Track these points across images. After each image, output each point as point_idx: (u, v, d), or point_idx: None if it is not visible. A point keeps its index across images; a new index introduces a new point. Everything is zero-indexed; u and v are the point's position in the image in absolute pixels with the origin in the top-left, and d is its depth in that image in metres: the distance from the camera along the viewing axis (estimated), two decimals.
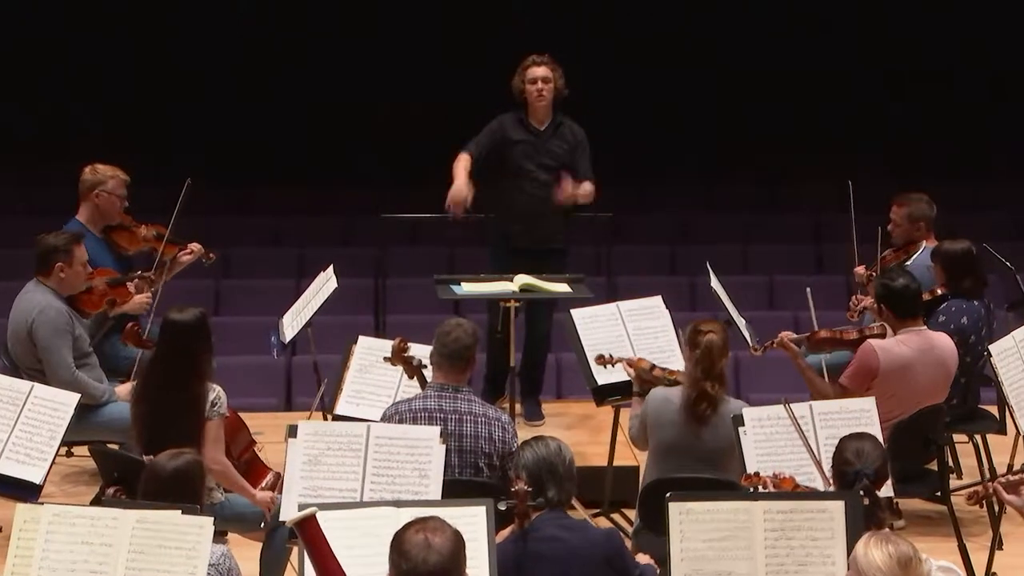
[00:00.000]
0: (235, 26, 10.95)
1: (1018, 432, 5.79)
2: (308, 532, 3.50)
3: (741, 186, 10.67)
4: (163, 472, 4.07)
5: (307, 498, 4.44)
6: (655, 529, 4.54)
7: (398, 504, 4.05)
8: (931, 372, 5.62)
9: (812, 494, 4.32)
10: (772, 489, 4.37)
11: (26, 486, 5.06)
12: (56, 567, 3.91)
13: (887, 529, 3.97)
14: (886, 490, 4.22)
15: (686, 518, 3.99)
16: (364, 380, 5.71)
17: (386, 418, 4.89)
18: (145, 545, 3.88)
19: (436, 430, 4.63)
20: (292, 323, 6.34)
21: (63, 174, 6.90)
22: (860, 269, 6.72)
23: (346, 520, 3.93)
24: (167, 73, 10.95)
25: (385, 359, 5.42)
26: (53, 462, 5.18)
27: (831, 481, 4.57)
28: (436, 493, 4.50)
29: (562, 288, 6.37)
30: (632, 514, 5.39)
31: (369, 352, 5.74)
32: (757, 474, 4.47)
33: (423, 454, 4.54)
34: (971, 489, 4.24)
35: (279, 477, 5.03)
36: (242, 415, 5.46)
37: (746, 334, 6.15)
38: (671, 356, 5.86)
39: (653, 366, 5.46)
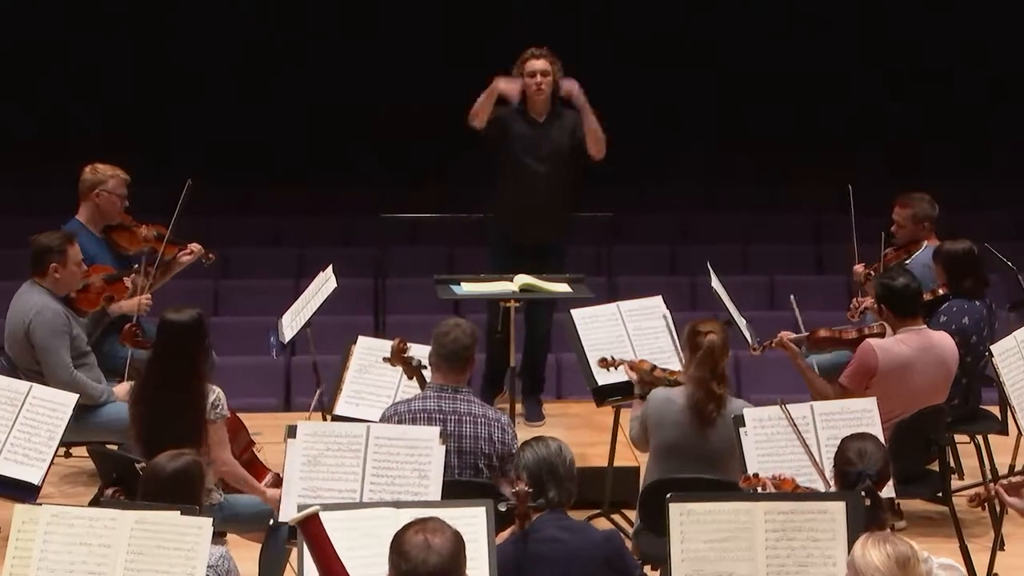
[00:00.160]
0: (235, 26, 10.95)
1: (1020, 432, 5.78)
2: (311, 531, 3.49)
3: (741, 186, 10.66)
4: (162, 473, 4.06)
5: (306, 499, 4.44)
6: (656, 530, 4.53)
7: (398, 505, 4.04)
8: (931, 372, 5.61)
9: (813, 495, 4.31)
10: (772, 491, 4.36)
11: (24, 487, 5.05)
12: (54, 568, 3.90)
13: (888, 530, 3.97)
14: (887, 491, 4.21)
15: (687, 519, 3.98)
16: (364, 380, 5.70)
17: (385, 419, 4.88)
18: (144, 546, 3.87)
19: (436, 431, 4.62)
20: (291, 323, 6.33)
21: (63, 174, 6.89)
22: (859, 267, 6.72)
23: (346, 521, 3.92)
24: (167, 73, 10.95)
25: (384, 360, 5.41)
26: (51, 463, 5.17)
27: (830, 482, 4.57)
28: (436, 494, 4.49)
29: (562, 288, 6.36)
30: (632, 515, 5.37)
31: (369, 352, 5.73)
32: (756, 475, 4.46)
33: (423, 455, 4.53)
34: (973, 492, 4.24)
35: (278, 478, 5.02)
36: (241, 415, 5.46)
37: (747, 334, 6.14)
38: (671, 356, 5.85)
39: (654, 367, 5.45)
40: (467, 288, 6.36)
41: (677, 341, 5.81)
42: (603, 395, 5.92)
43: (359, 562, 3.72)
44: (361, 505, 4.25)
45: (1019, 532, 5.51)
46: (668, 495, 4.04)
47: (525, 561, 4.00)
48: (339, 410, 5.67)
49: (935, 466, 5.62)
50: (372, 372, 5.68)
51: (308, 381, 6.53)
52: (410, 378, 5.37)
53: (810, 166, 10.49)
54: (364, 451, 4.55)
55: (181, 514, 3.89)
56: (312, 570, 3.73)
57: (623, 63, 11.02)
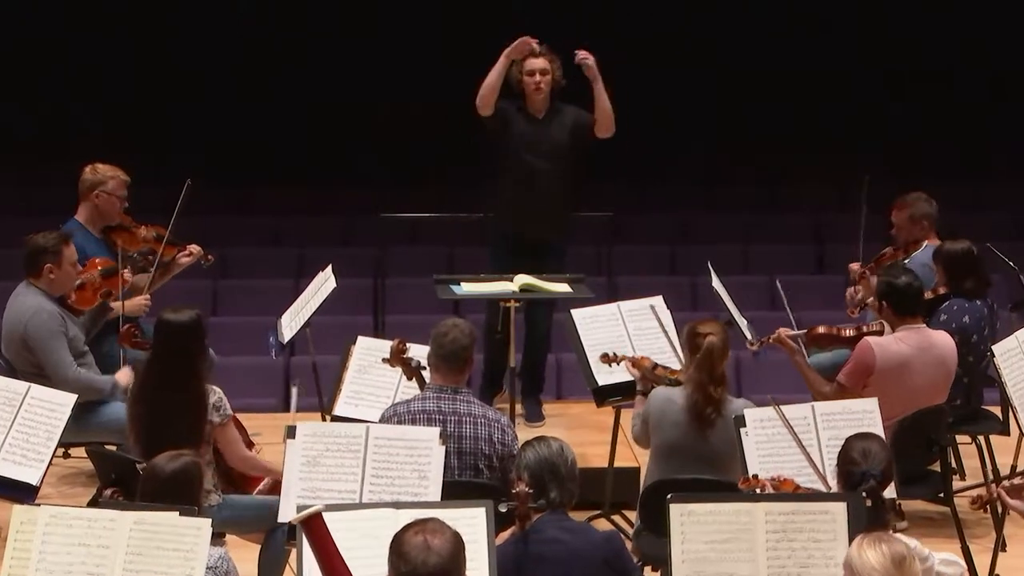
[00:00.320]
0: (235, 26, 10.94)
1: (1021, 433, 5.77)
2: (314, 530, 3.48)
3: (741, 186, 10.65)
4: (161, 474, 4.06)
5: (306, 499, 4.43)
6: (656, 531, 4.52)
7: (397, 506, 4.03)
8: (930, 372, 5.60)
9: (814, 496, 4.31)
10: (772, 492, 4.35)
11: (23, 487, 5.03)
12: (53, 569, 3.89)
13: (890, 530, 3.96)
14: (889, 491, 4.20)
15: (687, 520, 3.97)
16: (363, 381, 5.68)
17: (384, 420, 4.87)
18: (142, 547, 3.87)
19: (436, 431, 4.61)
20: (291, 323, 6.32)
21: (63, 174, 6.88)
22: (855, 265, 6.70)
23: (345, 522, 3.91)
24: (167, 73, 10.94)
25: (384, 360, 5.40)
26: (50, 463, 5.15)
27: (829, 483, 4.56)
28: (436, 494, 4.48)
29: (562, 288, 6.35)
30: (633, 516, 5.36)
31: (368, 352, 5.72)
32: (756, 477, 4.45)
33: (422, 455, 4.52)
34: (975, 494, 4.23)
35: (278, 478, 5.00)
36: (240, 416, 5.43)
37: (747, 334, 6.13)
38: (672, 356, 5.83)
39: (655, 365, 5.45)
40: (467, 288, 6.35)
41: (673, 340, 5.80)
42: (603, 395, 5.91)
43: (359, 563, 3.70)
44: (361, 506, 4.24)
45: (1020, 533, 5.50)
46: (669, 496, 4.03)
47: (525, 562, 3.99)
48: (338, 411, 5.66)
49: (936, 467, 5.60)
50: (371, 372, 5.67)
51: (308, 382, 6.51)
52: (409, 379, 5.35)
53: (810, 166, 10.47)
54: (364, 452, 4.54)
55: (180, 515, 3.88)
56: (311, 570, 3.73)
57: (623, 63, 10.97)
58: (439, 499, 4.43)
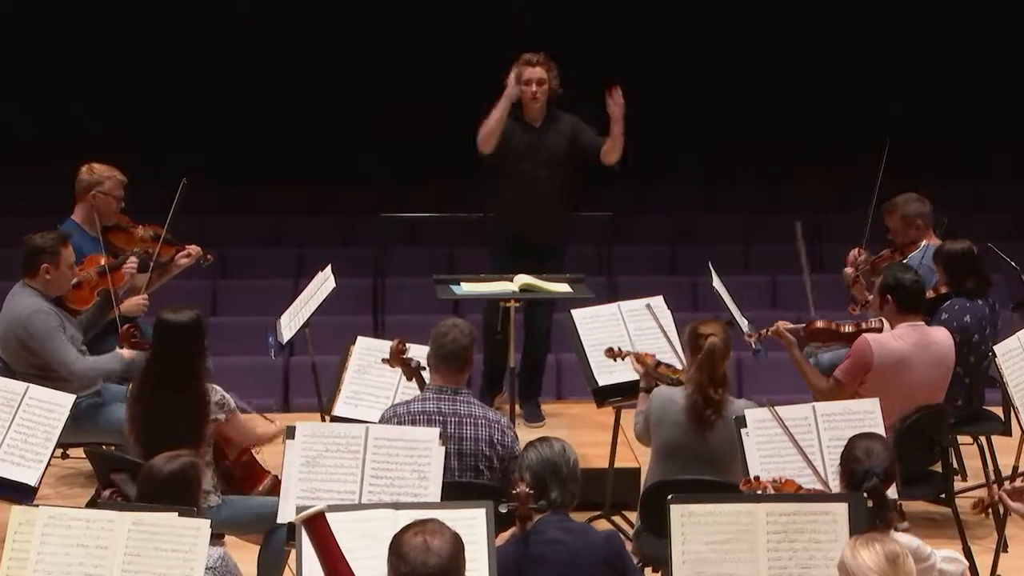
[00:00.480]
0: (235, 26, 10.93)
1: (1023, 433, 5.75)
2: (316, 530, 3.46)
3: (741, 186, 10.64)
4: (159, 475, 4.04)
5: (305, 500, 4.41)
6: (657, 531, 4.51)
7: (397, 506, 4.02)
8: (929, 369, 5.59)
9: (815, 496, 4.30)
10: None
11: (21, 488, 5.02)
12: (52, 570, 3.88)
13: (892, 530, 3.96)
14: (890, 492, 4.19)
15: (688, 520, 3.96)
16: (362, 381, 5.67)
17: (384, 421, 4.85)
18: (141, 547, 3.86)
19: (435, 431, 4.60)
20: (290, 323, 6.30)
21: (63, 174, 6.85)
22: (849, 270, 6.69)
23: (344, 522, 3.89)
24: (167, 73, 10.93)
25: (383, 360, 5.38)
26: (48, 464, 5.14)
27: (828, 483, 4.55)
28: (435, 495, 4.46)
29: (562, 288, 6.34)
30: (633, 516, 5.35)
31: (368, 353, 5.70)
32: (757, 478, 4.44)
33: (422, 456, 4.51)
34: (976, 498, 4.22)
35: (277, 480, 4.99)
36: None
37: (748, 328, 6.11)
38: (672, 357, 5.82)
39: (659, 363, 5.44)
40: (467, 288, 6.34)
41: (673, 341, 5.79)
42: (604, 396, 5.90)
43: (358, 564, 3.69)
44: (360, 506, 4.22)
45: (1022, 534, 5.49)
46: (669, 496, 4.02)
47: (526, 563, 3.98)
48: (338, 411, 5.64)
49: (938, 467, 5.59)
50: (371, 373, 5.65)
51: (307, 382, 6.51)
52: (409, 379, 5.34)
53: (810, 166, 10.46)
54: (363, 452, 4.53)
55: (179, 515, 3.87)
56: (311, 571, 3.72)
57: (623, 63, 10.99)
58: (439, 500, 4.41)
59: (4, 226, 8.96)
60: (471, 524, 3.89)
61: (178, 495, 3.98)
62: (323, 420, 5.75)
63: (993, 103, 11.23)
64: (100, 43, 10.86)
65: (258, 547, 4.98)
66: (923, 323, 5.69)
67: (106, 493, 4.60)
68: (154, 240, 6.30)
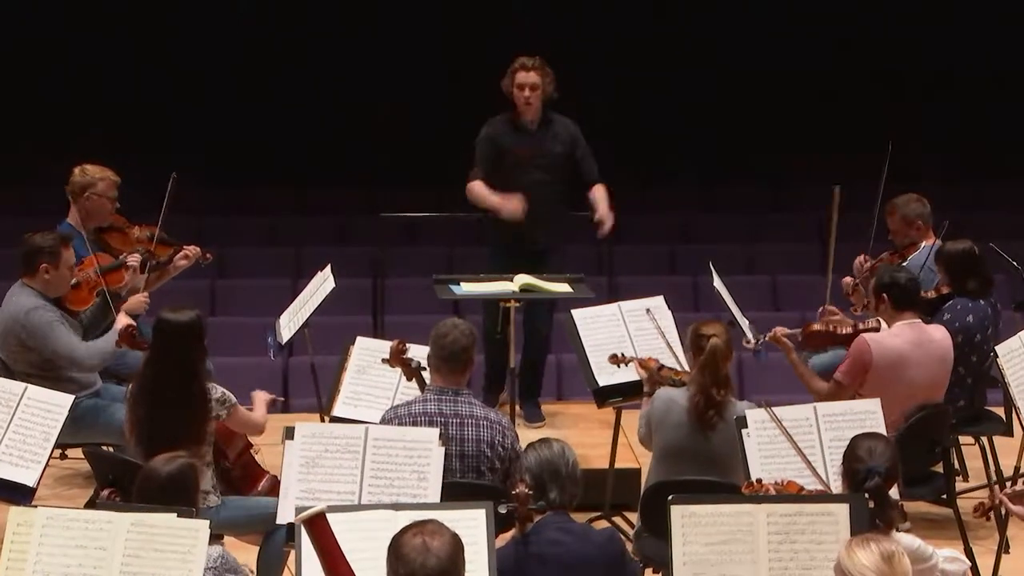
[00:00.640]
0: (235, 26, 10.92)
1: None
2: (317, 531, 3.45)
3: (741, 186, 10.63)
4: (158, 476, 4.03)
5: (304, 501, 4.40)
6: (657, 532, 4.50)
7: (396, 507, 4.00)
8: (929, 367, 5.58)
9: (816, 497, 4.28)
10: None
11: (19, 489, 5.00)
12: (50, 571, 3.88)
13: (894, 529, 3.96)
14: (892, 492, 4.18)
15: (688, 521, 3.95)
16: (362, 381, 5.65)
17: (385, 422, 4.84)
18: (140, 548, 3.85)
19: (435, 432, 4.59)
20: (289, 324, 6.28)
21: (63, 174, 6.83)
22: (848, 279, 6.67)
23: (344, 523, 3.87)
24: (167, 73, 10.92)
25: (383, 361, 5.37)
26: (47, 464, 5.12)
27: (828, 484, 4.53)
28: (435, 496, 4.45)
29: (563, 288, 6.32)
30: (633, 517, 5.34)
31: (367, 353, 5.69)
32: (760, 481, 4.42)
33: (422, 456, 4.50)
34: (977, 502, 4.22)
35: (276, 480, 4.98)
36: None
37: (749, 335, 6.10)
38: (671, 358, 5.80)
39: (661, 366, 5.44)
40: (467, 288, 6.33)
41: (672, 343, 5.77)
42: (604, 396, 5.89)
43: (357, 565, 3.66)
44: (360, 507, 4.21)
45: None
46: (670, 497, 4.00)
47: (526, 564, 3.97)
48: (337, 411, 5.63)
49: (939, 468, 5.58)
50: (370, 373, 5.64)
51: (306, 382, 6.49)
52: (409, 379, 5.32)
53: (810, 166, 10.45)
54: (363, 453, 4.52)
55: (178, 516, 3.86)
56: (311, 572, 3.70)
57: (623, 63, 10.99)
58: (438, 500, 4.40)
59: (4, 226, 8.95)
60: (471, 525, 3.88)
61: (176, 496, 3.97)
62: (322, 421, 5.74)
63: (993, 103, 11.21)
64: (100, 43, 10.85)
65: (257, 548, 4.97)
66: (920, 321, 5.67)
67: (104, 494, 4.58)
68: (151, 240, 6.27)
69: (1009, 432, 6.10)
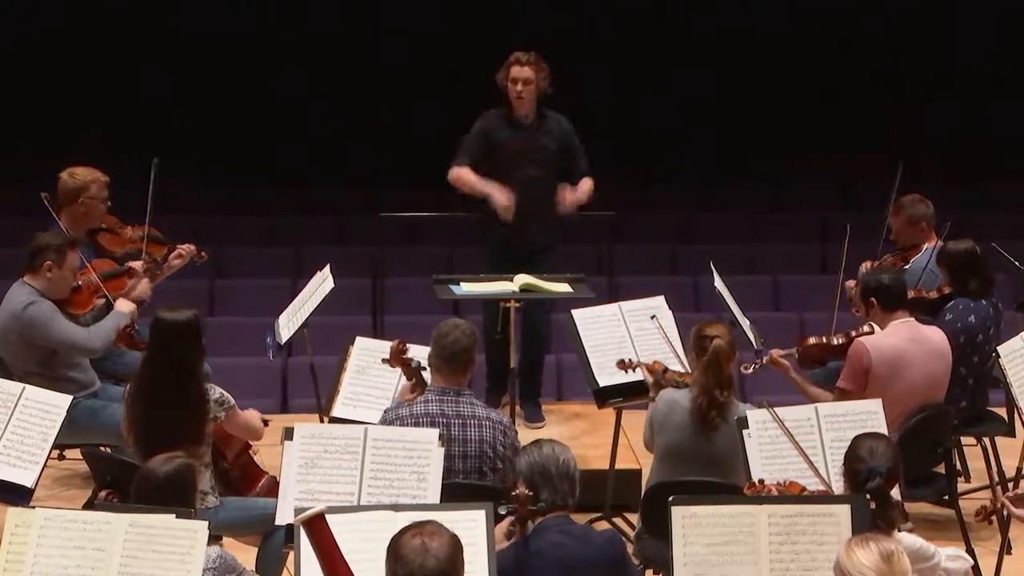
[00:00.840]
0: (235, 26, 10.91)
1: None
2: (316, 532, 3.43)
3: (741, 186, 10.62)
4: (155, 477, 4.02)
5: (303, 502, 4.38)
6: (658, 533, 4.48)
7: (396, 508, 3.99)
8: (928, 364, 5.56)
9: (817, 498, 4.27)
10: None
11: (17, 490, 4.97)
12: (48, 572, 3.87)
13: (896, 529, 3.95)
14: (894, 493, 4.17)
15: (689, 522, 3.94)
16: (361, 382, 5.64)
17: (386, 423, 4.82)
18: (138, 549, 3.84)
19: (434, 432, 4.57)
20: (288, 324, 6.27)
21: None
22: (851, 282, 6.65)
23: (343, 524, 3.86)
24: (167, 73, 10.91)
25: (383, 361, 5.35)
26: (45, 465, 5.09)
27: (830, 484, 4.52)
28: (435, 497, 4.44)
29: (563, 288, 6.30)
30: (634, 518, 5.32)
31: (367, 353, 5.67)
32: (761, 482, 4.41)
33: (421, 457, 4.48)
34: (979, 506, 4.21)
35: (275, 481, 4.96)
36: None
37: (750, 335, 6.09)
38: (674, 359, 5.78)
39: (666, 369, 5.44)
40: (466, 288, 6.31)
41: (675, 345, 5.76)
42: (605, 397, 5.87)
43: (357, 566, 3.65)
44: (360, 508, 4.19)
45: None
46: (670, 498, 3.99)
47: (526, 565, 3.95)
48: (336, 412, 5.61)
49: (941, 469, 5.56)
50: (370, 373, 5.63)
51: (305, 383, 6.48)
52: (409, 379, 5.30)
53: (810, 166, 10.44)
54: (362, 453, 4.50)
55: (176, 517, 3.84)
56: (309, 573, 3.69)
57: (623, 62, 10.98)
58: (438, 501, 4.38)
59: (4, 226, 8.94)
60: (471, 526, 3.86)
61: (174, 497, 3.96)
62: (322, 421, 5.72)
63: (993, 103, 11.20)
64: (101, 43, 10.84)
65: (256, 549, 4.95)
66: (913, 319, 5.66)
67: (102, 495, 4.56)
68: (143, 240, 6.23)
69: (1011, 433, 6.08)
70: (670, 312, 6.01)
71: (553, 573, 3.94)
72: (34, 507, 4.08)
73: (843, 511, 3.94)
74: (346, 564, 3.47)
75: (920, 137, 10.72)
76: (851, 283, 6.64)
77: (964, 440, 6.30)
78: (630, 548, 4.66)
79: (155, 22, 10.97)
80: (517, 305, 6.17)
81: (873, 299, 5.63)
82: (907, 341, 5.55)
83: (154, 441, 4.62)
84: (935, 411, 5.49)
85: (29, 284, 5.75)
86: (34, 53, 10.80)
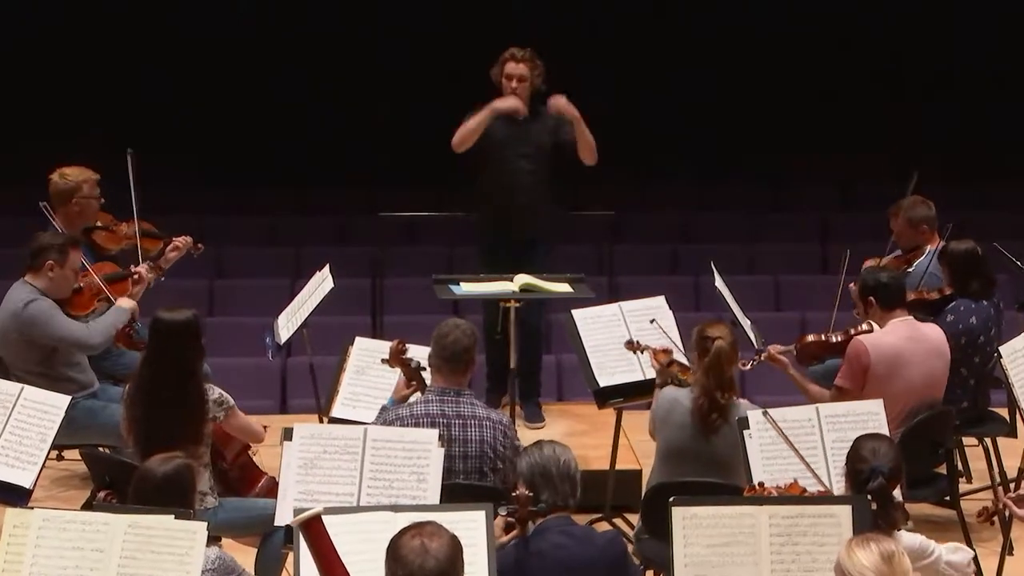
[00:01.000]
0: (235, 26, 10.91)
1: None
2: (313, 533, 3.42)
3: (742, 186, 10.62)
4: (153, 477, 4.01)
5: (303, 503, 4.37)
6: (658, 534, 4.47)
7: (396, 508, 3.98)
8: (927, 362, 5.56)
9: (818, 498, 4.26)
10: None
11: (16, 490, 4.95)
12: (47, 573, 3.86)
13: (898, 529, 3.94)
14: (896, 493, 4.16)
15: (690, 523, 3.93)
16: (361, 382, 5.63)
17: (386, 423, 4.80)
18: (137, 550, 3.83)
19: (434, 433, 4.56)
20: (288, 324, 6.26)
21: None
22: (853, 285, 6.64)
23: (342, 525, 3.85)
24: (167, 73, 10.91)
25: (383, 361, 5.34)
26: (43, 466, 5.08)
27: (830, 486, 4.51)
28: (434, 497, 4.43)
29: (563, 288, 6.29)
30: (634, 518, 5.31)
31: (366, 353, 5.66)
32: (762, 485, 4.39)
33: (421, 457, 4.47)
34: (981, 507, 4.20)
35: (274, 482, 4.95)
36: None
37: (751, 335, 6.08)
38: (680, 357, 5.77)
39: (672, 360, 5.41)
40: (466, 288, 6.30)
41: (673, 342, 5.75)
42: (605, 397, 5.86)
43: (356, 567, 3.65)
44: (359, 509, 4.18)
45: None
46: (671, 499, 3.98)
47: (527, 566, 3.94)
48: (336, 412, 5.60)
49: (943, 469, 5.55)
50: (370, 374, 5.62)
51: (305, 383, 6.47)
52: (409, 380, 5.29)
53: (810, 166, 10.43)
54: (361, 454, 4.49)
55: (175, 518, 3.83)
56: (308, 574, 3.67)
57: (623, 62, 10.98)
58: (438, 502, 4.37)
59: (4, 226, 8.93)
60: (471, 527, 3.85)
61: (172, 497, 3.95)
62: (321, 422, 5.71)
63: (992, 103, 11.20)
64: (101, 43, 10.84)
65: (255, 549, 4.94)
66: (912, 317, 5.65)
67: (101, 495, 4.55)
68: (138, 236, 6.21)
69: (1013, 433, 6.07)
70: (671, 312, 5.99)
71: (554, 574, 3.94)
72: (32, 508, 4.07)
73: (844, 512, 3.94)
74: (343, 566, 3.46)
75: (920, 137, 10.71)
76: (854, 285, 6.63)
77: (965, 441, 6.29)
78: (630, 548, 4.65)
79: (155, 22, 10.96)
80: (517, 305, 6.16)
81: (872, 298, 5.63)
82: (906, 339, 5.54)
83: (153, 441, 4.61)
84: (936, 412, 5.48)
85: (30, 284, 5.74)
86: (34, 53, 10.80)
